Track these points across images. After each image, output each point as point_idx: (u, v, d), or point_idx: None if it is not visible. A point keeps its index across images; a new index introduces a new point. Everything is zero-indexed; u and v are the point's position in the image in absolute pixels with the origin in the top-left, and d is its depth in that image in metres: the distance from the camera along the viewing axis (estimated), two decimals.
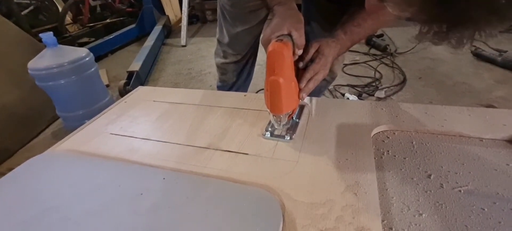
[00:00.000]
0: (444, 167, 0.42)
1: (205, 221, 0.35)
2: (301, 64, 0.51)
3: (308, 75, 0.51)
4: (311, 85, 0.52)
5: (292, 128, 0.52)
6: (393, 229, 0.34)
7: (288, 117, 0.49)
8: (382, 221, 0.35)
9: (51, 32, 1.14)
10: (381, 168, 0.43)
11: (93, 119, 0.66)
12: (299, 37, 0.45)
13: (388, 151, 0.47)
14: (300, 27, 0.45)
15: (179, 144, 0.52)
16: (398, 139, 0.49)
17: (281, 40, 0.41)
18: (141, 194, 0.40)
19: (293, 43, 0.44)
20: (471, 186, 0.38)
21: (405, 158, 0.45)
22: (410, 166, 0.43)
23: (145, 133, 0.57)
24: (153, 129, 0.59)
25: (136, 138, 0.56)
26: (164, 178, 0.42)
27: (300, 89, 0.50)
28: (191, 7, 3.03)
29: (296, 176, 0.42)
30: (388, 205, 0.37)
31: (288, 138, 0.50)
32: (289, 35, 0.44)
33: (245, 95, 0.68)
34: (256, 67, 1.85)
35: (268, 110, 0.47)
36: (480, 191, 0.38)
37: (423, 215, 0.35)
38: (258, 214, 0.35)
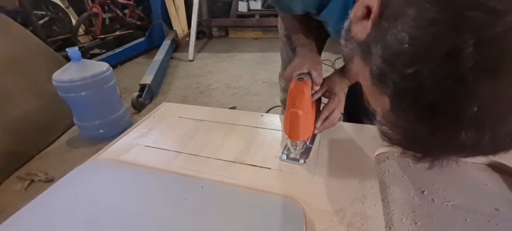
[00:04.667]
0: (435, 184, 0.51)
1: (240, 224, 0.43)
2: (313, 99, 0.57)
3: (323, 115, 0.57)
4: (327, 124, 0.57)
5: (306, 152, 0.59)
6: None
7: (303, 143, 0.56)
8: (385, 228, 0.43)
9: (76, 48, 1.23)
10: (383, 184, 0.52)
11: (126, 132, 0.73)
12: (318, 77, 0.53)
13: (389, 170, 0.56)
14: (318, 68, 0.54)
15: (209, 157, 0.60)
16: (397, 160, 0.58)
17: (302, 79, 0.50)
18: (184, 199, 0.47)
19: (312, 81, 0.53)
20: (457, 201, 0.47)
21: (403, 176, 0.54)
22: (407, 183, 0.52)
23: (176, 146, 0.65)
24: (183, 143, 0.66)
25: (169, 150, 0.64)
26: (202, 187, 0.50)
27: (315, 127, 0.57)
28: (198, 23, 3.16)
29: (313, 188, 0.50)
30: (390, 215, 0.45)
31: (302, 162, 0.57)
32: (309, 74, 0.53)
33: (262, 115, 0.77)
34: (263, 86, 1.96)
35: (287, 136, 0.54)
36: (464, 205, 0.46)
37: (418, 223, 0.44)
38: (285, 218, 0.43)
